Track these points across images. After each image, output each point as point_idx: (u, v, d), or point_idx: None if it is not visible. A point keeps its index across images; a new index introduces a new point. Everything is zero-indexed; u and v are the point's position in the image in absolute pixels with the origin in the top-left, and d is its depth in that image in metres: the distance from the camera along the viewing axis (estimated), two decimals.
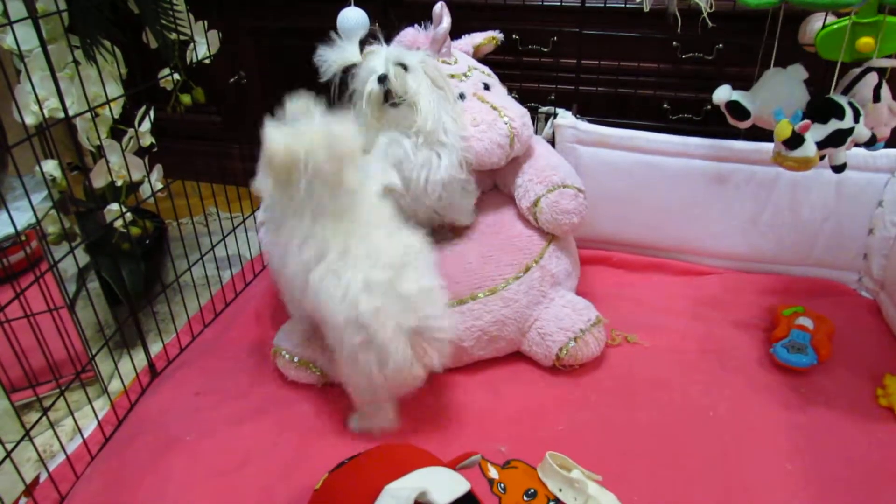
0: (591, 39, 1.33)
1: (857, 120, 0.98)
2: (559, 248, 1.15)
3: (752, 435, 0.96)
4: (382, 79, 1.02)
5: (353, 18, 1.21)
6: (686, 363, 1.11)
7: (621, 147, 1.32)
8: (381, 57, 1.04)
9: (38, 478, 0.94)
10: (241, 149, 1.78)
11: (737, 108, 1.08)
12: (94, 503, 0.88)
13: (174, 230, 1.54)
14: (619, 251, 1.40)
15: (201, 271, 1.37)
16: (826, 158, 1.03)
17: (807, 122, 0.95)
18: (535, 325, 1.09)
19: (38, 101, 0.98)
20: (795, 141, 0.96)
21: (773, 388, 1.05)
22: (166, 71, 1.21)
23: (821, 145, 0.98)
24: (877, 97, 0.99)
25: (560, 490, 0.88)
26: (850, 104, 0.98)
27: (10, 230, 0.94)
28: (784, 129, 0.96)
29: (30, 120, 1.01)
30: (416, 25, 1.20)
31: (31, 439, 0.86)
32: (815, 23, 1.02)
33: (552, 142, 1.35)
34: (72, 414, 0.96)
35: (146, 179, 1.19)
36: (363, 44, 1.09)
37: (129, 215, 1.14)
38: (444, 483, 0.69)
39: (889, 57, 0.97)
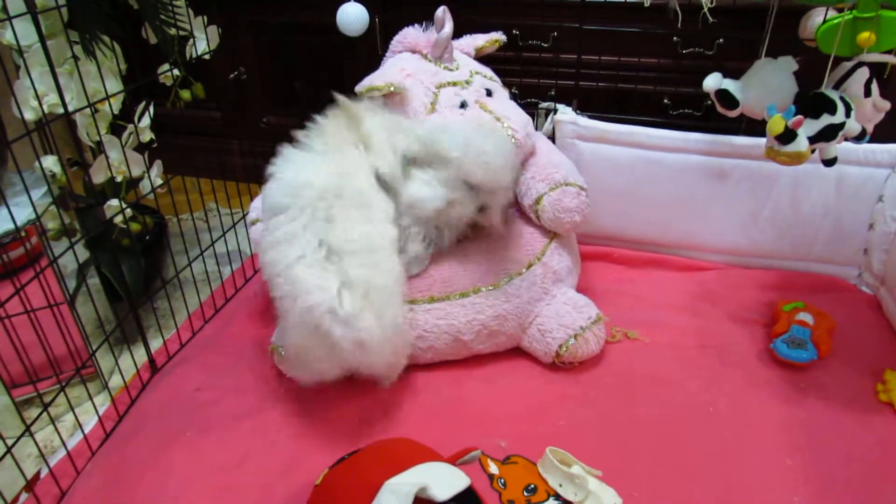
0: (591, 34, 1.33)
1: (848, 114, 0.98)
2: (561, 245, 1.15)
3: (752, 430, 0.96)
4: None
5: (352, 14, 1.20)
6: (686, 359, 1.11)
7: (622, 143, 1.32)
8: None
9: (38, 473, 0.94)
10: (241, 145, 1.78)
11: (726, 97, 1.09)
12: (95, 498, 0.89)
13: (174, 226, 1.54)
14: (620, 247, 1.40)
15: (201, 267, 1.37)
16: (817, 152, 1.04)
17: (799, 117, 0.96)
18: (535, 322, 1.09)
19: (37, 97, 0.98)
20: (788, 136, 0.97)
21: (773, 383, 1.05)
22: (166, 66, 1.20)
23: (812, 140, 0.99)
24: (867, 92, 1.00)
25: (560, 485, 0.88)
26: (842, 99, 0.98)
27: (10, 226, 0.94)
28: (777, 125, 0.96)
29: (29, 115, 1.01)
30: (415, 25, 1.18)
31: (31, 435, 0.86)
32: (816, 18, 1.02)
33: (552, 137, 1.35)
34: (72, 409, 0.96)
35: (146, 175, 1.19)
36: None
37: (128, 211, 1.14)
38: (444, 478, 0.69)
39: (885, 53, 0.98)
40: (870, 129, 1.04)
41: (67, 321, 1.06)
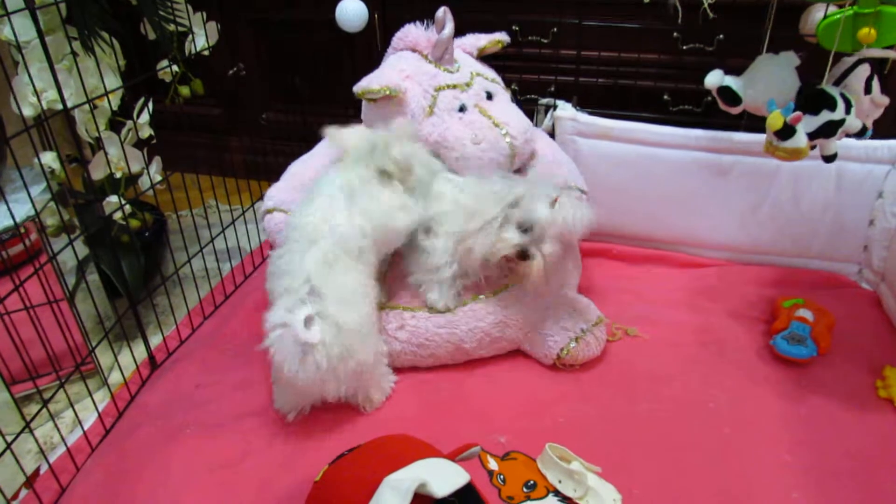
0: (591, 30, 1.33)
1: (848, 111, 0.98)
2: None
3: (752, 426, 0.96)
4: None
5: (352, 10, 1.20)
6: (686, 355, 1.11)
7: (621, 139, 1.32)
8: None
9: (38, 469, 0.94)
10: (241, 141, 1.78)
11: (728, 94, 1.08)
12: (95, 495, 0.89)
13: (174, 223, 1.54)
14: (619, 244, 1.40)
15: (201, 264, 1.37)
16: (817, 148, 1.03)
17: (798, 113, 0.96)
18: (536, 326, 1.08)
19: (36, 93, 0.97)
20: (787, 132, 0.97)
21: (772, 380, 1.05)
22: (165, 63, 1.20)
23: (812, 136, 0.99)
24: (868, 89, 1.00)
25: (560, 481, 0.88)
26: (842, 95, 0.98)
27: (10, 222, 0.94)
28: (776, 120, 0.96)
29: (28, 111, 1.01)
30: (417, 23, 1.16)
31: (31, 431, 0.86)
32: (817, 13, 1.01)
33: (552, 134, 1.35)
34: (72, 406, 0.96)
35: (145, 171, 1.19)
36: None
37: (128, 208, 1.14)
38: (444, 474, 0.69)
39: (886, 49, 0.97)
40: (868, 123, 1.04)
41: (67, 318, 1.06)
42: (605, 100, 1.44)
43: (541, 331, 1.07)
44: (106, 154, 1.10)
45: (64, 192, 1.14)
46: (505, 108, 1.15)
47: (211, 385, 1.07)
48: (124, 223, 1.16)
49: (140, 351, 1.13)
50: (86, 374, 1.09)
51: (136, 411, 1.03)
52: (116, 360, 1.10)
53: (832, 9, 0.98)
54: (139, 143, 1.18)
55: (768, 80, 1.04)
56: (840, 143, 1.18)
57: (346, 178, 0.99)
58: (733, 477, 0.89)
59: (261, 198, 1.47)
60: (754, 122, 1.15)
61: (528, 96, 1.46)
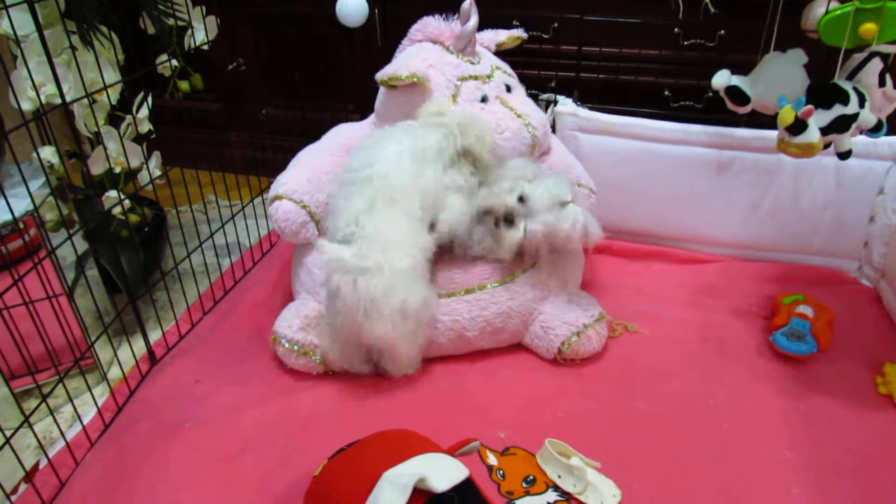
0: (592, 25, 1.32)
1: (861, 105, 0.97)
2: None
3: (752, 423, 0.96)
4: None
5: (352, 5, 1.20)
6: (686, 352, 1.10)
7: (622, 134, 1.32)
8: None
9: (37, 464, 0.94)
10: (241, 136, 1.78)
11: (736, 94, 1.07)
12: (94, 489, 0.89)
13: (173, 218, 1.54)
14: (620, 239, 1.40)
15: (200, 259, 1.36)
16: (832, 146, 1.02)
17: (809, 107, 0.94)
18: (538, 319, 1.08)
19: (34, 87, 0.97)
20: (798, 127, 0.95)
21: (772, 376, 1.05)
22: (164, 57, 1.20)
23: (825, 131, 0.97)
24: (882, 82, 0.98)
25: (559, 477, 0.88)
26: (855, 89, 0.97)
27: (8, 217, 0.94)
28: (787, 115, 0.95)
29: (26, 106, 1.01)
30: (436, 16, 1.17)
31: (30, 426, 0.86)
32: (818, 8, 1.01)
33: (552, 129, 1.35)
34: (71, 401, 0.96)
35: (144, 166, 1.19)
36: None
37: (127, 202, 1.13)
38: (443, 469, 0.69)
39: (893, 43, 0.97)
40: (882, 118, 1.02)
41: (66, 313, 1.06)
42: (606, 95, 1.44)
43: (543, 324, 1.07)
44: (105, 149, 1.10)
45: (63, 186, 1.13)
46: (524, 100, 1.17)
47: (210, 380, 1.07)
48: (123, 218, 1.16)
49: (139, 346, 1.12)
50: (85, 369, 1.09)
51: (136, 406, 1.03)
52: (116, 355, 1.10)
53: (834, 4, 0.97)
54: (138, 138, 1.18)
55: (777, 79, 1.03)
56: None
57: (420, 144, 1.02)
58: (733, 473, 0.89)
59: (260, 193, 1.47)
60: (755, 119, 1.15)
61: (529, 92, 1.46)
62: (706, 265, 1.34)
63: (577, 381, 1.05)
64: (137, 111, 1.16)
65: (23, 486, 0.91)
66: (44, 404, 0.87)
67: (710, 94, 1.35)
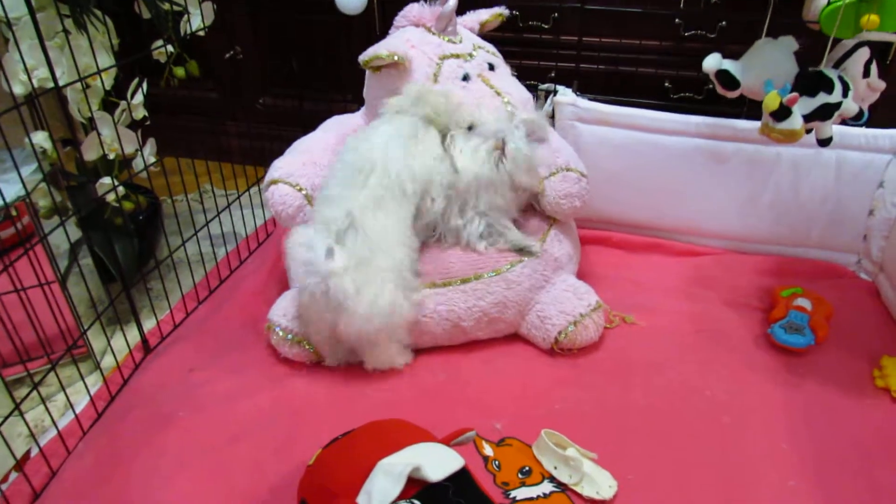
0: (592, 16, 1.31)
1: (845, 94, 0.97)
2: (561, 231, 1.14)
3: (749, 415, 0.96)
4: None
5: None
6: (683, 343, 1.10)
7: (622, 125, 1.31)
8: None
9: (28, 452, 0.93)
10: (237, 125, 1.76)
11: (726, 77, 1.08)
12: (86, 478, 0.88)
13: (169, 207, 1.53)
14: (618, 231, 1.39)
15: (195, 248, 1.35)
16: (813, 132, 1.03)
17: (794, 94, 0.95)
18: (535, 309, 1.08)
19: (26, 71, 0.96)
20: (783, 113, 0.96)
21: (770, 368, 1.04)
22: (159, 42, 1.18)
23: (808, 118, 0.99)
24: (867, 72, 0.99)
25: (555, 468, 0.87)
26: (840, 78, 0.97)
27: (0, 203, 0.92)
28: (772, 101, 0.96)
29: (18, 90, 0.99)
30: (420, 2, 1.18)
31: (21, 414, 0.85)
32: (820, 0, 1.00)
33: (552, 119, 1.34)
34: (63, 389, 0.95)
35: (139, 153, 1.17)
36: None
37: (121, 190, 1.12)
38: (438, 459, 0.68)
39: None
40: (865, 108, 1.03)
41: (59, 300, 1.05)
42: (606, 86, 1.43)
43: (539, 313, 1.07)
44: (99, 134, 1.09)
45: (56, 172, 1.12)
46: (506, 79, 1.17)
47: (204, 369, 1.06)
48: (118, 205, 1.15)
49: (133, 335, 1.12)
50: (78, 358, 1.08)
51: (129, 395, 1.02)
52: (109, 343, 1.09)
53: None
54: (133, 125, 1.17)
55: (766, 64, 1.04)
56: (841, 132, 1.18)
57: (397, 126, 1.03)
58: (730, 464, 0.89)
59: (256, 182, 1.46)
60: (755, 110, 1.14)
61: (529, 82, 1.45)
62: (704, 257, 1.33)
63: (574, 372, 1.04)
64: (132, 97, 1.15)
65: (13, 475, 0.90)
66: (35, 392, 0.87)
67: (711, 85, 1.35)
